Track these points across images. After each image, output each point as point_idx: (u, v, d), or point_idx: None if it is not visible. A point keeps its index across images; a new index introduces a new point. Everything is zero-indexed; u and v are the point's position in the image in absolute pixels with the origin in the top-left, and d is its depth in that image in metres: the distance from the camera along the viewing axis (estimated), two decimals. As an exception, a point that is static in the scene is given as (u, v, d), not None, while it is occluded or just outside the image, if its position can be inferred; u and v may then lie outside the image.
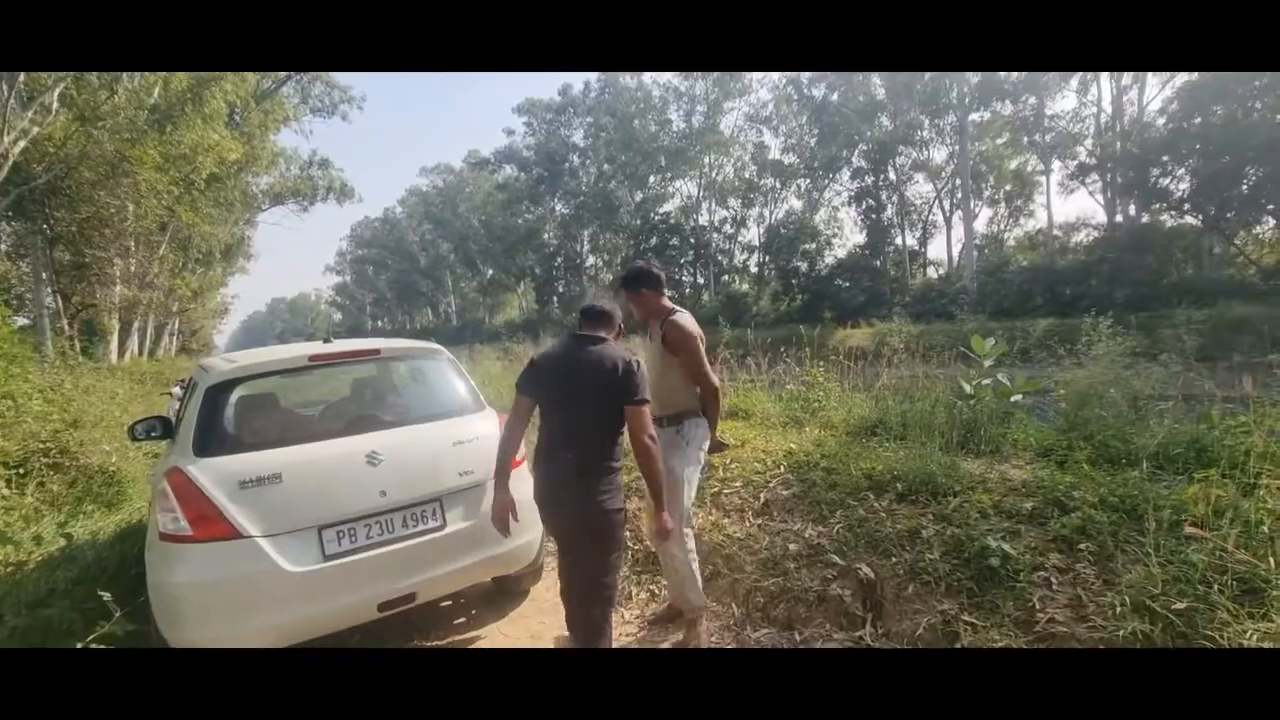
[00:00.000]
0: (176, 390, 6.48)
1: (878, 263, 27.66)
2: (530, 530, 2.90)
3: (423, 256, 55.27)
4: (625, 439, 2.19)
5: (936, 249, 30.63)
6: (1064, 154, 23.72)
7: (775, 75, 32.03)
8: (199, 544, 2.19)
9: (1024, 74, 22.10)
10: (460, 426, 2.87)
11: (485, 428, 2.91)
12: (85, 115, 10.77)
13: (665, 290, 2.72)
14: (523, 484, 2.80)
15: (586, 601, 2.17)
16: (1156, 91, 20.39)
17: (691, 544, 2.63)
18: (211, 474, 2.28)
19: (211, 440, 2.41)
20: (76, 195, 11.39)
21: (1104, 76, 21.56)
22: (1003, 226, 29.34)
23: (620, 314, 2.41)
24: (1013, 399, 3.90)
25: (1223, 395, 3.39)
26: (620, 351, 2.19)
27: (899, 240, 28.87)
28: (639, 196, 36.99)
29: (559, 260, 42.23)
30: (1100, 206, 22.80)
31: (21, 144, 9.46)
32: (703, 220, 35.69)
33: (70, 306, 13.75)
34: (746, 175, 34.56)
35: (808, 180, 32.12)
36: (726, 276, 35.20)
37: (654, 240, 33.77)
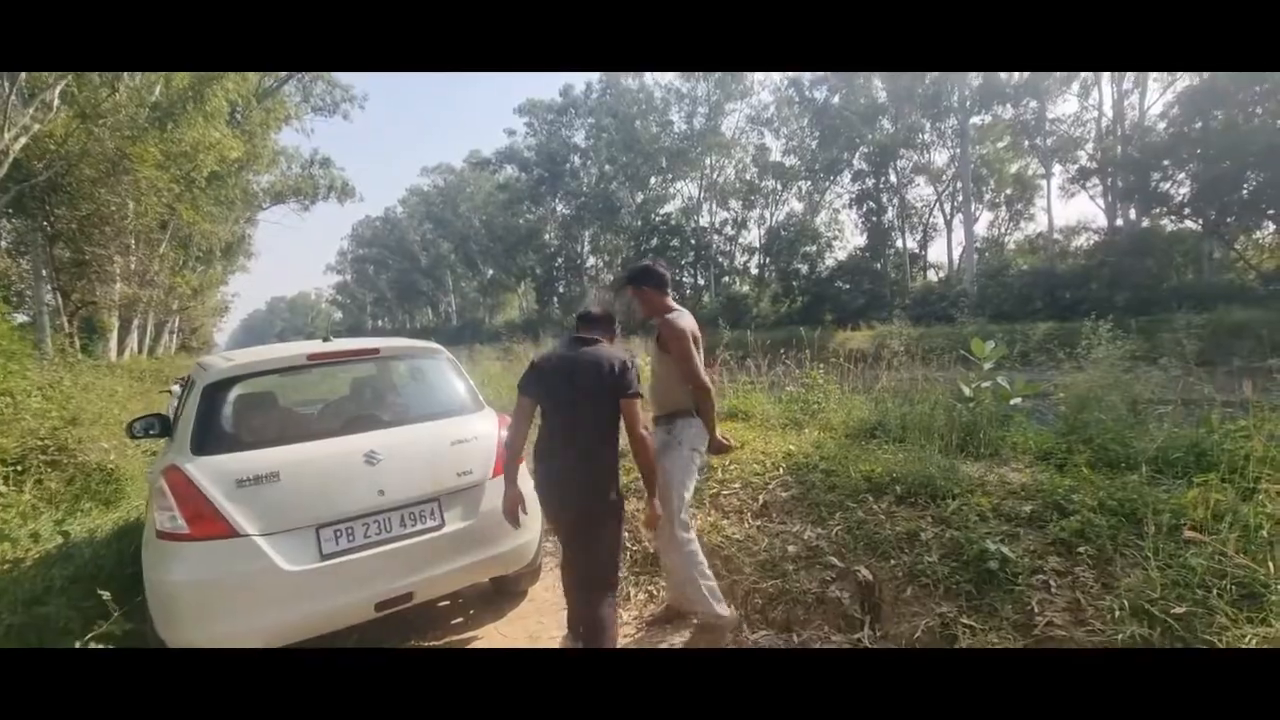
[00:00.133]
0: (176, 388, 6.46)
1: (878, 265, 27.67)
2: (529, 530, 2.90)
3: (423, 256, 55.27)
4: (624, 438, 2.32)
5: (937, 252, 30.73)
6: (1065, 158, 23.78)
7: (777, 78, 32.15)
8: (196, 542, 2.18)
9: (1025, 78, 22.16)
10: (459, 426, 2.86)
11: (484, 427, 2.91)
12: (86, 112, 10.76)
13: (669, 290, 2.71)
14: (523, 484, 2.81)
15: (594, 585, 2.31)
16: (1157, 96, 20.58)
17: (696, 547, 2.60)
18: (209, 472, 2.27)
19: (209, 438, 2.41)
20: (77, 192, 11.39)
21: (1105, 80, 21.63)
22: (1003, 230, 29.44)
23: (615, 317, 2.56)
24: (1012, 402, 3.90)
25: (1222, 400, 3.39)
26: (616, 351, 2.35)
27: (899, 243, 28.92)
28: (640, 198, 36.99)
29: (560, 261, 42.22)
30: (1101, 210, 22.88)
31: (22, 141, 9.46)
32: (703, 222, 35.73)
33: (70, 304, 13.74)
34: (747, 177, 34.60)
35: (809, 182, 32.15)
36: (727, 278, 35.19)
37: (655, 241, 33.77)
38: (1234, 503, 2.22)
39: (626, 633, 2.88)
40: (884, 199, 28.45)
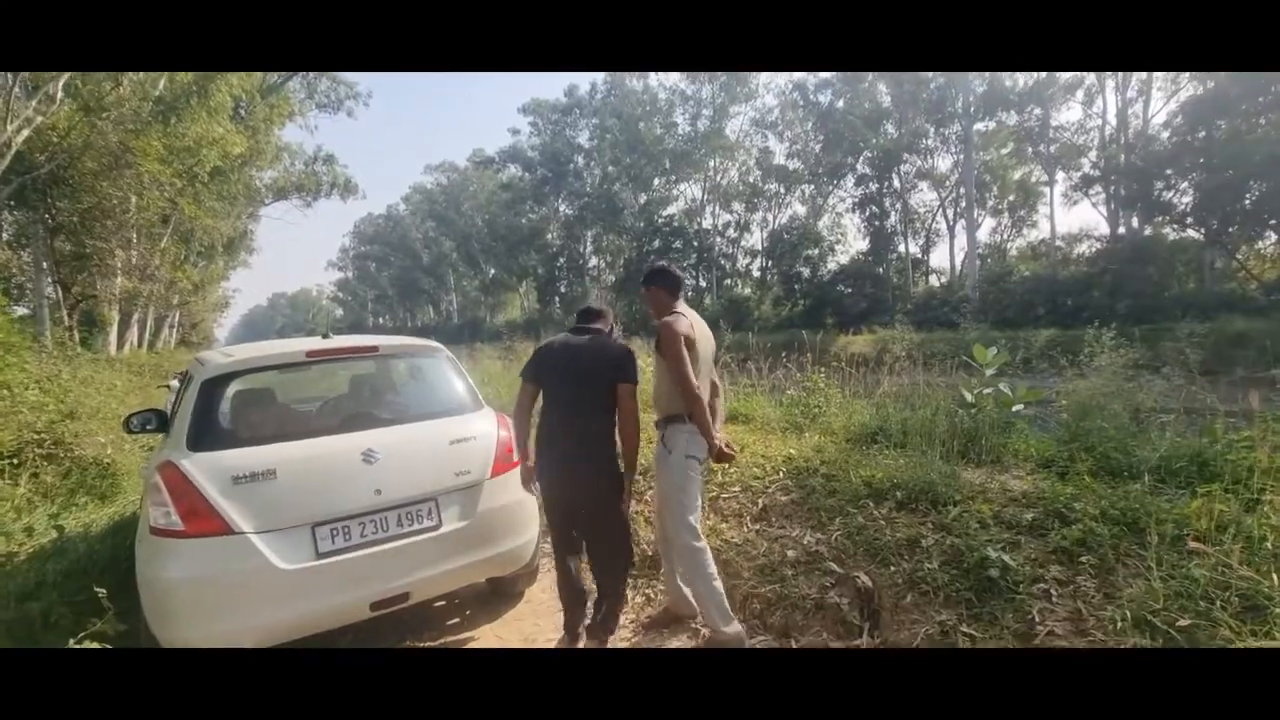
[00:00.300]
0: (174, 383, 6.45)
1: (880, 270, 27.70)
2: (526, 531, 2.88)
3: (425, 254, 55.33)
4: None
5: (939, 257, 30.94)
6: (1068, 165, 23.79)
7: (781, 81, 32.20)
8: (190, 539, 2.16)
9: (1030, 84, 22.18)
10: (458, 425, 2.84)
11: (483, 427, 2.88)
12: (89, 106, 10.78)
13: (679, 294, 2.67)
14: (520, 485, 2.80)
15: (618, 553, 2.57)
16: (1161, 104, 20.53)
17: (707, 558, 2.52)
18: (205, 469, 2.25)
19: (206, 435, 2.39)
20: (79, 185, 11.37)
21: (1109, 88, 21.63)
22: (1006, 236, 29.45)
23: (611, 313, 2.72)
24: (1014, 409, 3.88)
25: (1225, 409, 3.37)
26: (614, 341, 2.53)
27: (902, 248, 28.96)
28: (643, 199, 37.01)
29: (562, 261, 42.24)
30: (1103, 218, 22.84)
31: (25, 133, 9.46)
32: (706, 224, 35.77)
33: (70, 297, 13.71)
34: (751, 180, 34.62)
35: (812, 186, 32.22)
36: (729, 280, 35.21)
37: (657, 243, 33.81)
38: (1238, 514, 2.20)
39: (623, 635, 2.86)
40: (887, 204, 28.48)
